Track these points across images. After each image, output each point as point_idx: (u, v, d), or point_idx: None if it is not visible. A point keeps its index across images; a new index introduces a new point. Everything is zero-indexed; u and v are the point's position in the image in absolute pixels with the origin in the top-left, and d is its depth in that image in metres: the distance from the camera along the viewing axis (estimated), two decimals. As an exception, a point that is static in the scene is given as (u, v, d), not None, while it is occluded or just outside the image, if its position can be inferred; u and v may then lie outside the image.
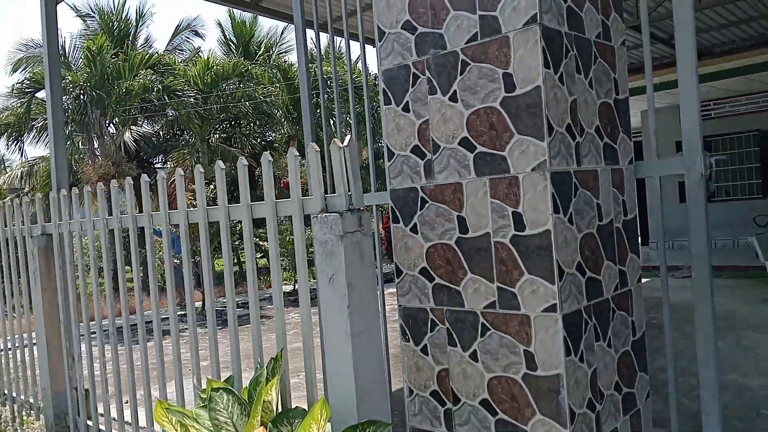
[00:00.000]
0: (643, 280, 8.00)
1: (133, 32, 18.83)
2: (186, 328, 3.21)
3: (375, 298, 2.31)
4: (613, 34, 2.44)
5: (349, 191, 2.33)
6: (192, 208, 3.00)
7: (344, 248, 2.23)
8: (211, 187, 10.72)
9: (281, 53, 20.41)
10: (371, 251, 2.32)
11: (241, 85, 17.22)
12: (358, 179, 2.34)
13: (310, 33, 4.14)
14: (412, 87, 2.41)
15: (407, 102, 2.42)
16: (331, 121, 14.39)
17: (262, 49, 20.85)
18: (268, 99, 17.35)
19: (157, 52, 18.52)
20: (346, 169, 2.33)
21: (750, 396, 4.64)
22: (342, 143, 2.34)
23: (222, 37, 21.35)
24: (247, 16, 20.11)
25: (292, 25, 3.79)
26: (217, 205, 2.80)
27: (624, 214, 2.40)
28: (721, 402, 2.29)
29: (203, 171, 2.92)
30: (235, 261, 15.17)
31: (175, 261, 11.48)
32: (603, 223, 2.27)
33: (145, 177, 3.28)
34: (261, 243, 12.16)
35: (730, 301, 8.51)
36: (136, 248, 3.37)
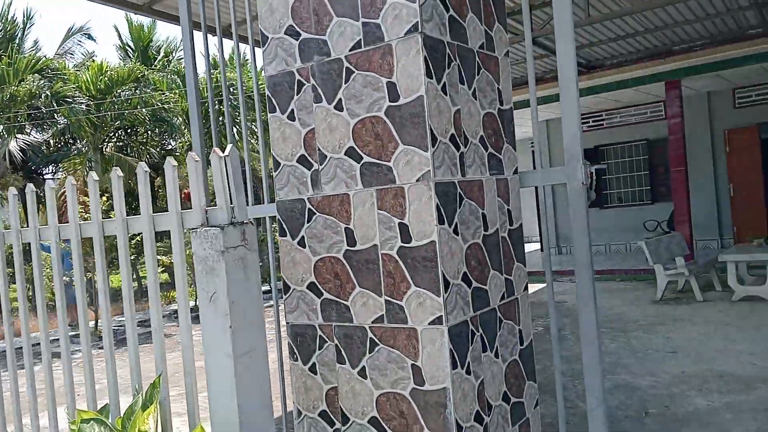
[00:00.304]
0: (538, 286, 8.21)
1: (20, 35, 17.67)
2: (79, 349, 2.96)
3: (261, 317, 2.20)
4: (496, 45, 2.46)
5: (231, 203, 2.22)
6: (64, 224, 2.78)
7: (226, 264, 2.11)
8: (104, 198, 10.18)
9: (182, 58, 19.76)
10: (257, 267, 2.21)
11: (138, 91, 16.50)
12: (242, 191, 2.23)
13: (212, 39, 3.97)
14: (297, 94, 2.32)
15: (292, 110, 2.34)
16: (236, 129, 14.06)
17: (162, 54, 20.11)
18: (166, 106, 16.71)
19: (45, 56, 17.44)
20: (228, 180, 2.21)
21: (640, 396, 4.85)
22: (222, 152, 2.22)
23: (119, 41, 20.46)
24: (146, 20, 19.38)
25: (196, 31, 3.61)
26: (111, 218, 2.62)
27: (510, 224, 2.42)
28: (606, 407, 2.34)
29: (75, 183, 2.71)
30: (134, 276, 14.47)
31: (65, 279, 10.79)
32: (489, 233, 2.27)
33: (12, 190, 3.01)
34: (159, 258, 11.68)
35: (623, 303, 8.94)
36: (4, 266, 3.09)
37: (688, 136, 12.22)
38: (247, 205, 3.09)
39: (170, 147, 18.66)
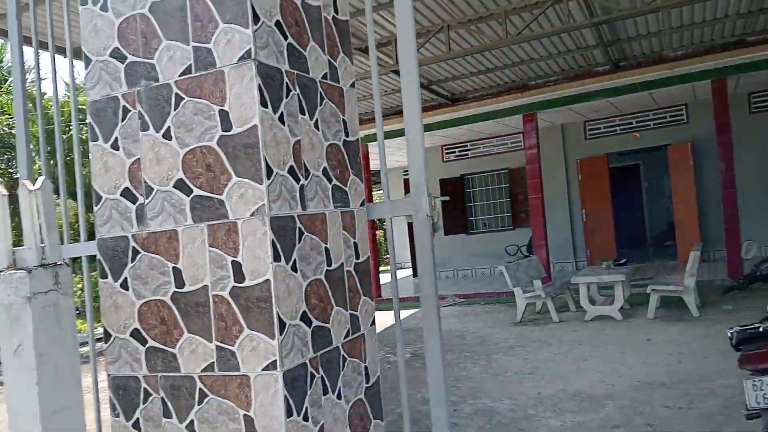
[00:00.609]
0: (410, 312, 8.34)
1: None
2: None
3: (76, 370, 1.96)
4: (341, 76, 2.41)
5: (42, 243, 1.98)
6: None
7: (33, 312, 1.87)
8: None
9: (35, 81, 18.36)
10: (72, 314, 1.98)
11: (-19, 114, 15.06)
12: (54, 228, 2.00)
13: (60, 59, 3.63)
14: (122, 122, 2.13)
15: (116, 138, 2.14)
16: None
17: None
18: (14, 131, 15.36)
19: None
20: (39, 216, 1.98)
21: (499, 420, 4.95)
22: (34, 185, 1.99)
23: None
24: (-8, 36, 17.83)
25: (48, 53, 3.27)
26: None
27: (356, 257, 2.35)
28: (454, 441, 2.31)
29: None
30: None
31: None
32: (332, 268, 2.18)
33: None
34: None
35: (487, 326, 9.23)
36: None
37: (544, 165, 13.00)
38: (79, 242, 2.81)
39: (18, 175, 17.17)
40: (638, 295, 9.56)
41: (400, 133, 12.99)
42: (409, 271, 17.24)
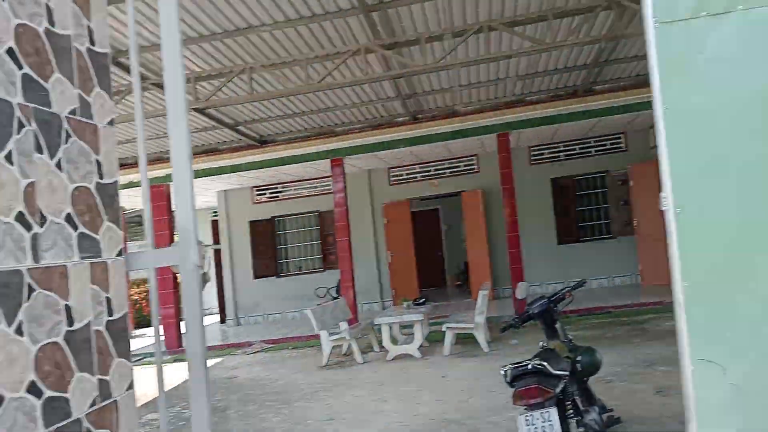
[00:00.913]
0: (215, 360, 7.89)
1: None
2: None
3: None
4: (96, 112, 2.19)
5: None
6: None
7: None
8: None
9: None
10: None
11: None
12: None
13: None
14: None
15: None
16: None
17: None
18: None
19: None
20: None
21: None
22: None
23: None
24: None
25: None
26: None
27: (109, 314, 2.11)
28: None
29: None
30: None
31: None
32: (75, 329, 1.93)
33: None
34: None
35: (292, 372, 9.06)
36: None
37: (352, 209, 13.31)
38: None
39: None
40: (437, 332, 10.01)
41: (206, 173, 12.59)
42: (217, 317, 16.53)
